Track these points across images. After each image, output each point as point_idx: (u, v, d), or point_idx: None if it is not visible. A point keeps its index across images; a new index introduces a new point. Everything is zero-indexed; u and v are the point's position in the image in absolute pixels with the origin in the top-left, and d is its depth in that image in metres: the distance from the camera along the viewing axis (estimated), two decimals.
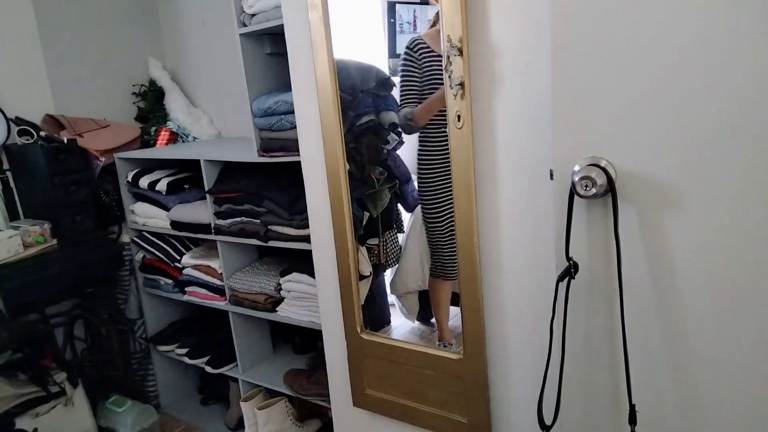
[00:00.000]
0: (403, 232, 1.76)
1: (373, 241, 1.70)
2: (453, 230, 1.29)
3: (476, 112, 1.15)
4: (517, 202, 1.16)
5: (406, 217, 1.77)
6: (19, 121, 2.16)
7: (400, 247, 1.74)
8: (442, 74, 1.19)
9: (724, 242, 0.86)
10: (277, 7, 1.56)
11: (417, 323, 1.74)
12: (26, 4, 2.24)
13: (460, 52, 1.10)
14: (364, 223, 1.60)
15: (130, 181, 2.27)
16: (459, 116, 1.14)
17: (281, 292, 1.95)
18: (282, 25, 1.46)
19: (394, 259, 1.74)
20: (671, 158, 0.87)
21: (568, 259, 0.98)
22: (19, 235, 1.97)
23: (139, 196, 2.29)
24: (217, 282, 2.11)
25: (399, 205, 1.76)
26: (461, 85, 1.12)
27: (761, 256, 0.83)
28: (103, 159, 2.27)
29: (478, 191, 1.19)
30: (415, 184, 1.75)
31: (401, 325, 1.74)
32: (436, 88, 1.41)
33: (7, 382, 2.02)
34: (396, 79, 1.64)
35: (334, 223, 1.45)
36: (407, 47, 1.47)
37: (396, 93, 1.64)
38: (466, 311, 1.26)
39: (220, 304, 2.12)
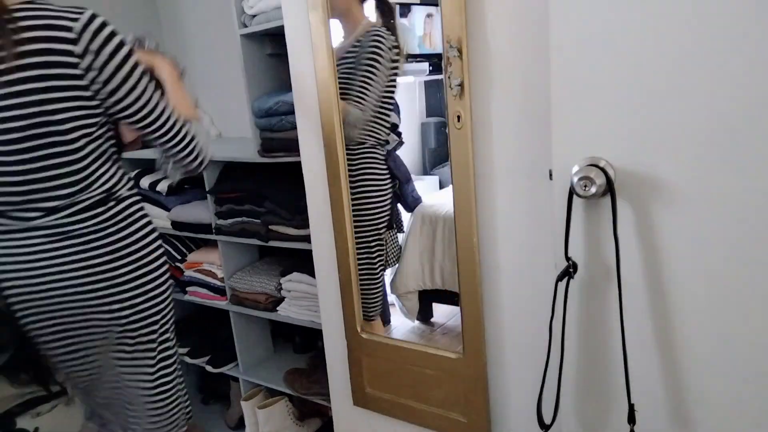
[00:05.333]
0: (403, 232, 1.77)
1: None
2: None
3: (476, 113, 1.15)
4: (516, 202, 1.17)
5: (406, 217, 1.77)
6: None
7: (400, 247, 1.74)
8: None
9: (723, 242, 0.86)
10: (278, 8, 1.57)
11: (417, 323, 1.75)
12: None
13: (460, 52, 1.10)
14: None
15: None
16: (459, 117, 1.15)
17: (282, 291, 1.95)
18: (282, 26, 1.46)
19: (394, 259, 1.75)
20: (670, 158, 0.87)
21: (567, 258, 0.98)
22: None
23: (140, 196, 2.29)
24: (218, 282, 2.12)
25: (399, 205, 1.76)
26: (461, 85, 1.12)
27: (760, 256, 0.84)
28: None
29: (477, 191, 1.19)
30: (416, 184, 1.76)
31: (401, 324, 1.75)
32: None
33: (8, 382, 2.03)
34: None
35: (334, 223, 1.46)
36: None
37: (396, 94, 1.65)
38: (466, 311, 1.27)
39: (221, 303, 2.13)
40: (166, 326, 1.34)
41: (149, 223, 1.29)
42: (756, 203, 0.82)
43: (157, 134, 1.20)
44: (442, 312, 1.72)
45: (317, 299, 1.65)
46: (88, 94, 1.09)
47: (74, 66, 1.06)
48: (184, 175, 1.33)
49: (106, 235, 1.19)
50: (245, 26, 1.75)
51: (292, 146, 1.66)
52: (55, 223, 1.16)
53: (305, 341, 2.26)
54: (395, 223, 1.78)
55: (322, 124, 1.40)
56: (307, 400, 2.00)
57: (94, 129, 1.15)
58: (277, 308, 1.96)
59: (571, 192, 0.93)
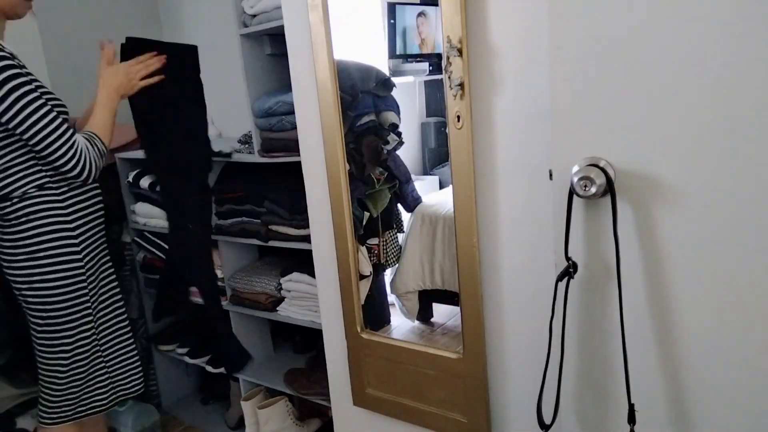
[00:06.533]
0: (403, 232, 1.77)
1: (373, 241, 1.70)
2: None
3: (476, 113, 1.15)
4: (516, 202, 1.16)
5: (406, 217, 1.77)
6: None
7: (400, 247, 1.74)
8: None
9: (723, 242, 0.86)
10: (278, 8, 1.57)
11: (417, 323, 1.75)
12: None
13: (460, 52, 1.10)
14: (364, 223, 1.60)
15: (131, 181, 2.27)
16: (459, 117, 1.15)
17: (282, 291, 1.95)
18: (282, 26, 1.46)
19: (394, 259, 1.75)
20: (670, 158, 0.87)
21: (567, 258, 0.98)
22: None
23: (140, 196, 2.30)
24: (218, 282, 2.12)
25: (399, 205, 1.76)
26: (461, 85, 1.12)
27: (761, 256, 0.84)
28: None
29: (477, 191, 1.19)
30: (416, 184, 1.76)
31: (401, 324, 1.75)
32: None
33: (8, 382, 2.03)
34: (395, 80, 1.65)
35: (334, 223, 1.46)
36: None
37: (396, 93, 1.65)
38: (466, 310, 1.27)
39: (221, 303, 2.13)
40: (58, 320, 1.50)
41: (46, 224, 1.48)
42: (756, 203, 0.82)
43: (35, 149, 1.42)
44: (442, 312, 1.72)
45: (317, 299, 1.65)
46: None
47: None
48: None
49: (9, 226, 1.47)
50: (245, 26, 1.75)
51: (292, 146, 1.66)
52: None
53: (305, 341, 2.26)
54: (395, 223, 1.78)
55: (322, 124, 1.40)
56: (307, 400, 2.00)
57: (7, 139, 1.41)
58: (277, 308, 1.96)
59: (571, 192, 0.93)
